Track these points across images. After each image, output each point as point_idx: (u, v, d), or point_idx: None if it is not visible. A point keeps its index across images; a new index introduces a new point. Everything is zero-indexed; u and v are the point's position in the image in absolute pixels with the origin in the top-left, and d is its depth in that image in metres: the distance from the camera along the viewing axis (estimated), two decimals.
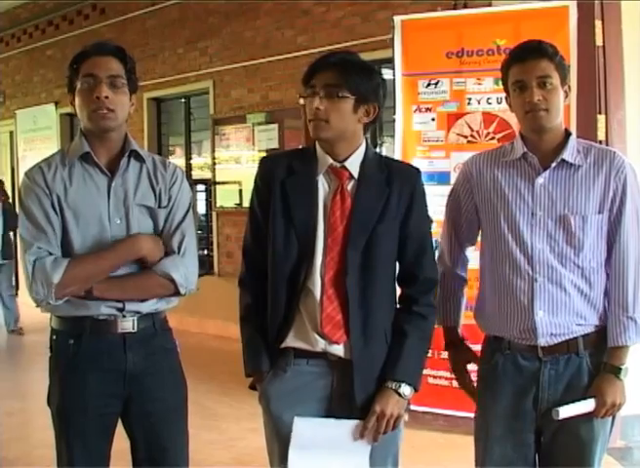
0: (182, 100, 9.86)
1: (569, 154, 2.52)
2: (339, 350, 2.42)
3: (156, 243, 2.62)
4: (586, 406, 2.45)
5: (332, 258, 2.42)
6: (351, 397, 2.42)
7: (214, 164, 9.12)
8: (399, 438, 2.53)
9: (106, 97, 2.53)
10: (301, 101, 2.48)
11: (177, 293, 2.63)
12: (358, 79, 2.40)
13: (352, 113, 2.43)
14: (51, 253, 2.51)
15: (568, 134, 2.58)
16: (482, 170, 2.65)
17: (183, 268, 2.61)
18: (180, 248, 2.63)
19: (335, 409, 2.46)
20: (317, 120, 2.40)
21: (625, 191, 2.49)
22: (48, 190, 2.55)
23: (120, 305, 2.56)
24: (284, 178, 2.47)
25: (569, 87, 2.55)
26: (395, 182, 2.48)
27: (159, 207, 2.65)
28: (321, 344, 2.41)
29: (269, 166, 2.53)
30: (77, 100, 2.59)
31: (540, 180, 2.53)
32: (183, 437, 2.74)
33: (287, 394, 2.46)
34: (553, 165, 2.52)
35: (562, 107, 2.53)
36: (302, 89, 2.48)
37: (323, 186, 2.48)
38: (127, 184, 2.62)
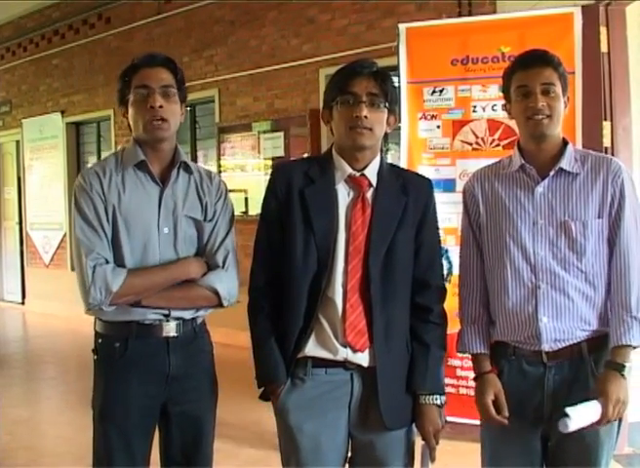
0: (188, 109, 9.85)
1: (566, 163, 2.55)
2: (361, 359, 2.44)
3: (202, 267, 2.69)
4: (595, 411, 2.42)
5: (354, 267, 2.44)
6: (371, 404, 2.45)
7: (219, 172, 9.11)
8: None
9: (160, 107, 2.59)
10: (337, 107, 2.47)
11: (219, 305, 2.71)
12: (391, 90, 2.47)
13: (385, 123, 2.49)
14: (107, 260, 2.57)
15: (565, 142, 2.60)
16: (483, 184, 2.68)
17: (227, 282, 2.69)
18: (224, 263, 2.70)
19: (354, 417, 2.48)
20: (362, 128, 2.42)
21: (623, 195, 2.52)
22: (104, 197, 2.60)
23: (166, 312, 2.63)
24: (303, 187, 2.49)
25: (568, 98, 2.59)
26: (411, 191, 2.53)
27: (205, 220, 2.71)
28: (343, 353, 2.43)
29: (286, 174, 2.54)
30: (131, 111, 2.65)
31: (539, 190, 2.56)
32: (211, 437, 2.81)
33: (306, 404, 2.47)
34: (552, 173, 2.55)
35: (562, 116, 2.56)
36: (332, 94, 2.49)
37: (343, 195, 2.50)
38: (176, 195, 2.69)
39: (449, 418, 4.86)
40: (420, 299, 2.53)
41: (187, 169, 2.74)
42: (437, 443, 2.51)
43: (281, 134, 8.35)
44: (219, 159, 9.11)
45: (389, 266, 2.45)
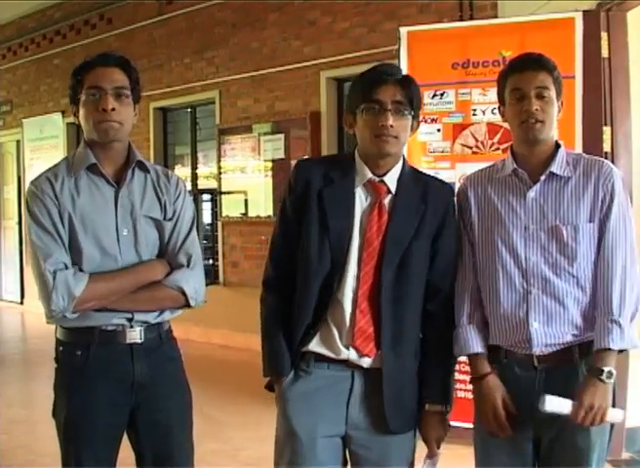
0: (189, 110, 9.88)
1: (557, 167, 2.55)
2: (365, 362, 2.46)
3: (166, 268, 2.64)
4: (565, 406, 2.42)
5: (366, 273, 2.45)
6: (372, 406, 2.47)
7: (219, 173, 9.13)
8: None
9: (112, 110, 2.53)
10: (362, 115, 2.45)
11: (186, 306, 2.65)
12: (416, 97, 2.47)
13: (409, 130, 2.50)
14: (66, 265, 2.51)
15: (558, 146, 2.60)
16: (477, 189, 2.68)
17: (193, 281, 2.64)
18: (189, 261, 2.65)
19: (352, 415, 2.49)
20: (388, 136, 2.42)
21: (613, 197, 2.52)
22: (57, 201, 2.55)
23: (129, 315, 2.57)
24: (322, 188, 2.49)
25: (562, 102, 2.59)
26: (430, 199, 2.53)
27: (164, 219, 2.66)
28: (344, 355, 2.45)
29: (307, 172, 2.54)
30: (82, 112, 2.60)
31: (531, 194, 2.56)
32: (188, 446, 2.75)
33: (306, 396, 2.49)
34: (543, 178, 2.55)
35: (555, 121, 2.56)
36: (356, 100, 2.48)
37: (360, 199, 2.50)
38: (133, 195, 2.63)
39: None
40: (430, 306, 2.54)
41: (143, 168, 2.68)
42: (438, 448, 2.52)
43: (281, 136, 8.36)
44: (219, 160, 9.11)
45: (402, 275, 2.47)
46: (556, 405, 2.42)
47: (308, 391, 2.49)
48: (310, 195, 2.49)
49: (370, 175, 2.50)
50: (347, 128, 2.57)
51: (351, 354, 2.45)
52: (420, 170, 2.81)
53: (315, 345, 2.47)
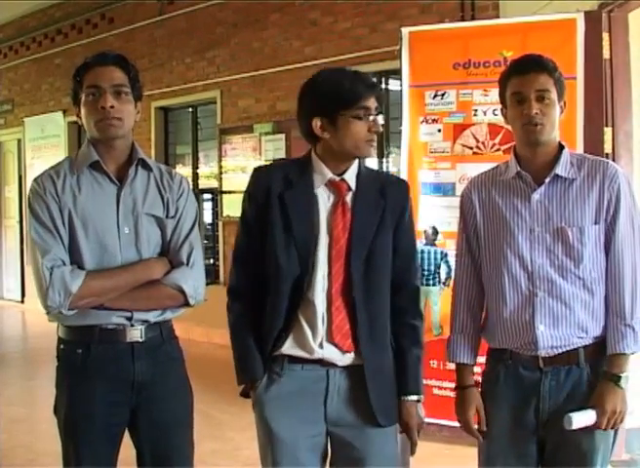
0: (190, 110, 9.89)
1: (562, 168, 2.54)
2: (346, 360, 2.48)
3: (165, 266, 2.64)
4: (590, 417, 2.45)
5: (337, 270, 2.47)
6: (351, 402, 2.50)
7: (220, 173, 9.13)
8: None
9: (112, 107, 2.55)
10: (357, 122, 2.44)
11: (185, 304, 2.65)
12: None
13: None
14: (64, 262, 2.52)
15: (561, 147, 2.59)
16: (480, 191, 2.68)
17: (192, 280, 2.63)
18: (188, 260, 2.65)
19: (331, 413, 2.51)
20: (374, 141, 2.50)
21: (619, 200, 2.51)
22: (58, 199, 2.56)
23: (129, 314, 2.57)
24: (282, 191, 2.50)
25: (565, 103, 2.58)
26: (389, 194, 2.56)
27: (167, 217, 2.66)
28: (318, 354, 2.46)
29: (265, 178, 2.58)
30: (83, 112, 2.61)
31: (535, 197, 2.55)
32: (188, 446, 2.75)
33: (282, 398, 2.50)
34: (547, 180, 2.54)
35: (557, 122, 2.55)
36: (338, 105, 2.43)
37: (323, 199, 2.52)
38: (135, 193, 2.64)
39: (447, 423, 4.89)
40: (396, 301, 2.57)
41: (146, 166, 2.69)
42: (418, 435, 2.57)
43: (282, 136, 8.35)
44: (220, 160, 9.11)
45: (370, 270, 2.49)
46: (583, 421, 2.44)
47: (283, 394, 2.50)
48: (271, 200, 2.50)
49: (330, 174, 2.51)
50: (320, 132, 2.47)
51: (326, 353, 2.46)
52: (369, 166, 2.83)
53: (288, 348, 2.48)
